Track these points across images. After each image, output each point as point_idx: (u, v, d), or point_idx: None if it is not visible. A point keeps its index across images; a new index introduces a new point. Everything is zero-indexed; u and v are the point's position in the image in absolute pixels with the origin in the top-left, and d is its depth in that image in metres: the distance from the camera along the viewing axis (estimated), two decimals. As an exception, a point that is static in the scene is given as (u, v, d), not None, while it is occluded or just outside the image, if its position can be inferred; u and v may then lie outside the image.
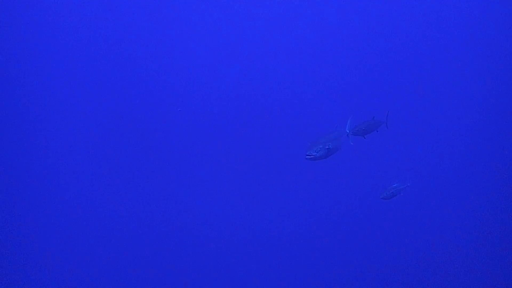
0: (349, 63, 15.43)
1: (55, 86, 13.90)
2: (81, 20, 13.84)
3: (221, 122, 14.59)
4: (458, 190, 14.14)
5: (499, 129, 14.38)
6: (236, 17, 14.95)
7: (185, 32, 14.73)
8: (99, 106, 14.06)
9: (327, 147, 5.95)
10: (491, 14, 14.82)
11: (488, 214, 13.38)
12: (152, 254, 12.96)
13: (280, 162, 14.03)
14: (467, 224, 13.49)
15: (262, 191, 14.08)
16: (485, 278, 12.20)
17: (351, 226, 13.59)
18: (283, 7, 15.05)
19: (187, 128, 14.49)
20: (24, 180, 13.25)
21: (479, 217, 13.48)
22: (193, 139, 14.39)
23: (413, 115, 14.98)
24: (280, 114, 14.92)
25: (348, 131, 6.62)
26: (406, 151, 14.75)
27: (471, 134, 14.81)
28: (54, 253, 12.63)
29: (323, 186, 14.17)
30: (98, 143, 13.98)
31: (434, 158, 14.71)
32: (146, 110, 14.36)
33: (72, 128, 13.91)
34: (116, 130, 14.12)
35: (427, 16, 15.06)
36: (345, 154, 7.06)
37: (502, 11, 14.69)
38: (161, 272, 12.68)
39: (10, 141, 13.38)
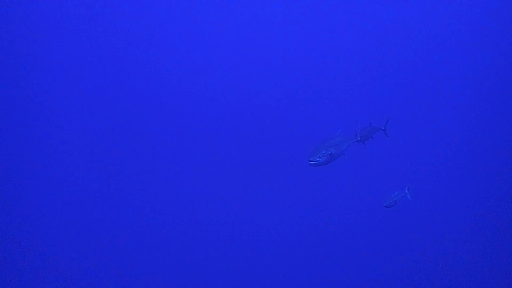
0: (350, 68, 15.42)
1: (55, 85, 13.77)
2: (80, 21, 13.73)
3: (224, 126, 14.56)
4: (457, 197, 14.15)
5: (500, 138, 14.42)
6: (242, 24, 14.93)
7: (189, 36, 14.69)
8: (98, 106, 14.01)
9: (329, 152, 5.88)
10: (491, 16, 14.83)
11: (488, 219, 13.40)
12: (152, 254, 12.90)
13: (280, 167, 14.00)
14: (466, 230, 13.50)
15: (262, 196, 14.05)
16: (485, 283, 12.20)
17: (351, 232, 13.57)
18: (289, 13, 15.02)
19: (189, 132, 14.46)
20: (23, 180, 13.19)
21: (480, 222, 13.50)
22: (195, 143, 14.35)
23: (412, 121, 14.98)
24: (282, 119, 14.89)
25: (358, 138, 6.60)
26: (405, 157, 14.74)
27: (471, 140, 14.84)
28: (53, 253, 12.54)
29: (323, 192, 14.13)
30: (97, 143, 13.93)
31: (434, 164, 14.72)
32: (146, 111, 14.29)
33: (72, 128, 13.87)
34: (116, 130, 14.09)
35: (428, 21, 15.06)
36: (344, 160, 6.94)
37: (502, 11, 14.70)
38: (160, 272, 12.56)
39: (11, 140, 13.23)
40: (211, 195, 13.86)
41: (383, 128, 7.68)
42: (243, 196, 13.92)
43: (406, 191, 8.06)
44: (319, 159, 5.79)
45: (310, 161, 5.78)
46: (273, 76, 14.86)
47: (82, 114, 13.87)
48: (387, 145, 12.88)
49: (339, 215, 13.93)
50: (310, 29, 15.27)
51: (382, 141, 8.33)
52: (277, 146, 14.36)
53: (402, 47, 15.38)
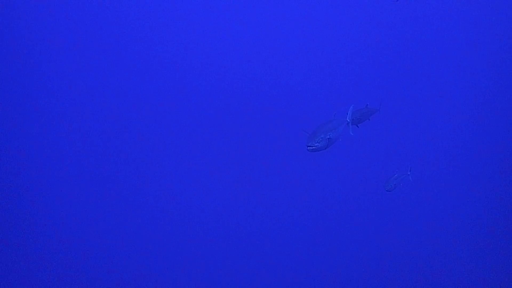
0: (347, 53, 15.30)
1: (56, 84, 13.71)
2: (81, 20, 13.66)
3: (217, 115, 14.51)
4: (457, 181, 14.11)
5: (498, 122, 14.38)
6: (230, 11, 14.80)
7: (183, 32, 14.60)
8: (98, 105, 13.94)
9: (328, 136, 5.61)
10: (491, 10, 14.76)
11: (487, 206, 13.37)
12: (152, 253, 12.85)
13: (278, 154, 13.94)
14: (465, 216, 13.47)
15: (259, 187, 13.97)
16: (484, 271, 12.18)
17: (352, 220, 13.51)
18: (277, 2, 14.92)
19: (183, 122, 14.38)
20: (24, 178, 13.16)
21: (478, 209, 13.47)
22: (190, 132, 14.27)
23: (411, 107, 14.92)
24: (275, 104, 14.79)
25: (349, 120, 6.35)
26: (405, 142, 14.69)
27: (470, 126, 14.79)
28: (52, 252, 12.56)
29: (321, 179, 14.06)
30: (97, 142, 13.81)
31: (433, 148, 14.67)
32: (144, 109, 14.21)
33: (72, 126, 13.75)
34: (116, 129, 14.00)
35: (427, 11, 14.92)
36: (343, 146, 6.83)
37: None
38: (159, 271, 12.46)
39: (12, 139, 13.12)
40: (209, 186, 13.83)
41: (378, 110, 7.51)
42: (243, 181, 13.88)
43: (409, 173, 8.00)
44: (317, 144, 5.47)
45: (308, 146, 5.45)
46: (264, 61, 14.79)
47: (80, 112, 13.84)
48: (386, 129, 12.85)
49: (340, 201, 13.90)
50: (302, 13, 15.15)
51: (380, 125, 8.23)
52: (273, 132, 14.29)
53: (402, 35, 15.26)
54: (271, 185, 14.03)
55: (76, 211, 13.13)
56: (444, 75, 15.28)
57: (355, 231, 13.51)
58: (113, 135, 14.02)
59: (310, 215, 13.79)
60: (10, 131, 13.23)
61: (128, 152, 14.07)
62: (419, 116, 15.21)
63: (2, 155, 13.08)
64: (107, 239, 12.83)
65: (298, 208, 13.87)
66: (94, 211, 13.23)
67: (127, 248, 12.79)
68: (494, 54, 14.84)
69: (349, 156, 13.75)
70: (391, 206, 13.46)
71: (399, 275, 12.38)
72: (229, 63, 14.76)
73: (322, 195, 14.08)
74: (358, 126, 6.94)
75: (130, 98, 14.30)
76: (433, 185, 14.15)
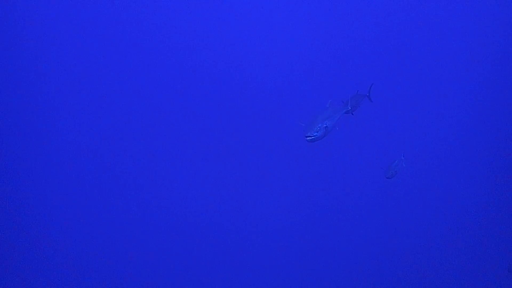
0: (339, 43, 15.17)
1: (56, 84, 13.67)
2: (82, 21, 13.54)
3: (211, 111, 14.48)
4: (457, 172, 14.09)
5: (496, 117, 14.35)
6: (219, 8, 14.68)
7: (178, 31, 14.50)
8: (96, 105, 13.91)
9: (325, 125, 5.54)
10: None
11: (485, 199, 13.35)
12: (150, 252, 12.77)
13: (271, 150, 13.86)
14: (466, 208, 13.44)
15: (257, 181, 13.93)
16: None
17: (351, 214, 13.45)
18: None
19: (181, 119, 14.36)
20: (25, 178, 13.12)
21: (475, 202, 13.44)
22: (188, 128, 14.22)
23: (405, 97, 14.84)
24: (267, 100, 14.69)
25: (350, 107, 6.25)
26: (402, 132, 14.63)
27: (468, 118, 14.75)
28: (53, 252, 12.51)
29: (318, 172, 13.99)
30: (94, 141, 13.81)
31: (431, 139, 14.62)
32: (141, 108, 14.06)
33: (70, 126, 13.71)
34: (114, 129, 13.98)
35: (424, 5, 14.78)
36: (337, 135, 6.68)
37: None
38: (157, 271, 12.31)
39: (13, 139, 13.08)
40: (210, 186, 13.77)
41: (367, 94, 7.38)
42: (242, 176, 13.86)
43: (402, 157, 7.96)
44: (315, 133, 5.43)
45: (307, 136, 5.42)
46: (257, 56, 14.70)
47: (79, 112, 13.74)
48: (382, 119, 12.74)
49: (338, 194, 13.83)
50: (294, 7, 15.00)
51: (376, 114, 8.09)
52: (269, 125, 14.21)
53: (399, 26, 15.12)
54: (270, 179, 13.97)
55: (72, 211, 13.03)
56: (441, 66, 15.18)
57: (353, 226, 13.45)
58: (110, 134, 13.95)
59: (307, 209, 13.71)
60: (11, 130, 13.08)
61: (126, 151, 14.00)
62: (416, 107, 15.11)
63: (3, 155, 12.90)
64: (105, 238, 12.75)
65: (295, 202, 13.80)
66: (91, 210, 13.12)
67: (125, 247, 12.70)
68: (490, 48, 14.76)
69: (346, 146, 13.67)
70: (390, 198, 13.41)
71: (399, 270, 12.31)
72: (222, 58, 14.64)
73: (319, 188, 14.00)
74: (353, 114, 6.83)
75: (127, 98, 14.20)
76: (432, 177, 14.10)
